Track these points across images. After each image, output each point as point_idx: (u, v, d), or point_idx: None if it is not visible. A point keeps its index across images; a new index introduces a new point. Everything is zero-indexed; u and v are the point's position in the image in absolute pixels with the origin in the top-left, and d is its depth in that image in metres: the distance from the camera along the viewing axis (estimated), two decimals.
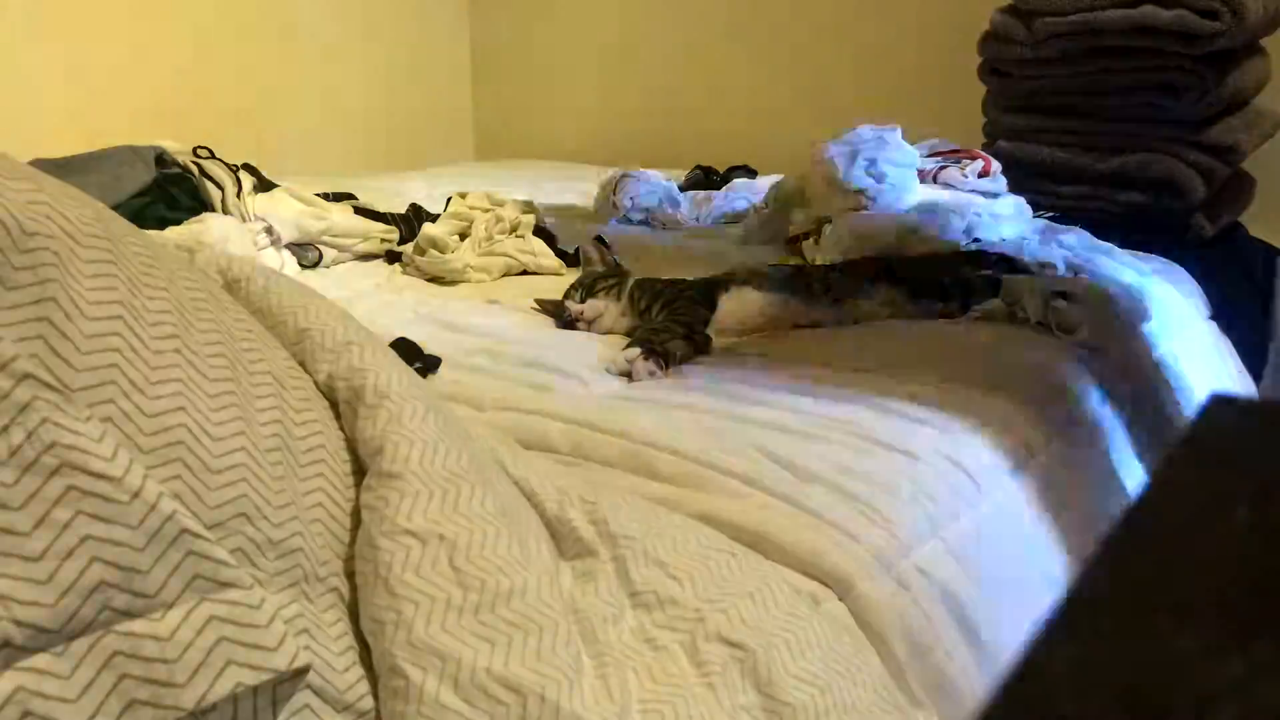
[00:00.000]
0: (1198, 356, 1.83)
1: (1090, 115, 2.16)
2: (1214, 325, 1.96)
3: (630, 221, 2.40)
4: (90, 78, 2.86)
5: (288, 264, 1.94)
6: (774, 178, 2.69)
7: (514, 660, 0.68)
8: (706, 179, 2.71)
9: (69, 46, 2.81)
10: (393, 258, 2.05)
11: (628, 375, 1.38)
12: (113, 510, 0.57)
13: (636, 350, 1.40)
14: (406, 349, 1.35)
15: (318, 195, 2.12)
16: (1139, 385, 1.57)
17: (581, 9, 3.61)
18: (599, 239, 1.84)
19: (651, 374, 1.36)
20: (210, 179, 2.03)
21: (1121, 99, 2.11)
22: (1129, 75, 2.08)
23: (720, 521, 0.98)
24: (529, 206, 2.09)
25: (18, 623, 0.53)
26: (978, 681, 0.99)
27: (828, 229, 1.96)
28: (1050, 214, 2.12)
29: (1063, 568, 1.19)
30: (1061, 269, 1.78)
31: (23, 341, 0.59)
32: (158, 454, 0.63)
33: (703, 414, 1.21)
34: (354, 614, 0.73)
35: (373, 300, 1.76)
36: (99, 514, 0.57)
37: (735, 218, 2.40)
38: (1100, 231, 1.96)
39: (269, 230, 1.93)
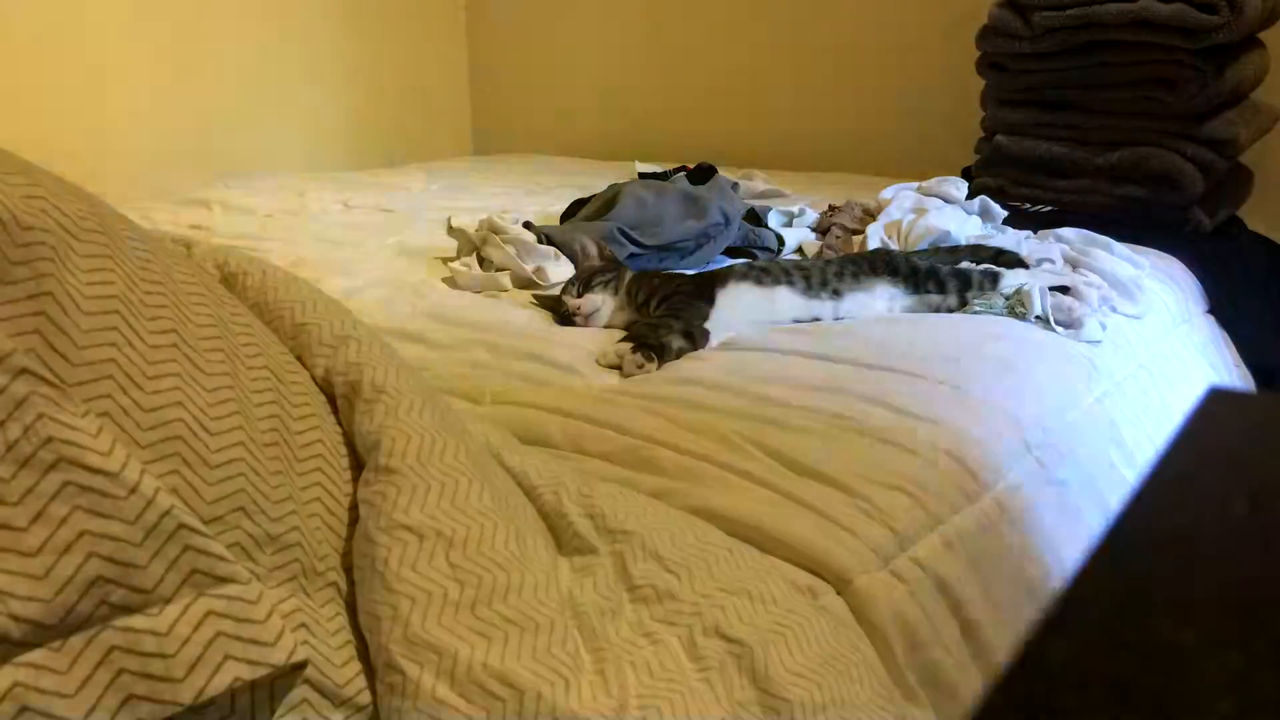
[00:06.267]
0: (1196, 350, 1.83)
1: (1088, 109, 2.15)
2: (1212, 319, 1.97)
3: None
4: (88, 75, 2.85)
5: None
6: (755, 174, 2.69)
7: (510, 656, 0.68)
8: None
9: (67, 41, 2.81)
10: None
11: (618, 368, 1.38)
12: (110, 505, 0.57)
13: (627, 344, 1.40)
14: None
15: None
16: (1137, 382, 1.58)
17: (579, 2, 3.60)
18: None
19: (640, 367, 1.37)
20: None
21: (1120, 93, 2.11)
22: (1127, 69, 2.08)
23: (718, 516, 0.98)
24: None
25: (15, 618, 0.53)
26: (975, 677, 1.00)
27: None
28: (1049, 208, 2.13)
29: (1062, 563, 1.19)
30: (1060, 263, 1.78)
31: (19, 336, 0.59)
32: (155, 449, 0.63)
33: (700, 409, 1.21)
34: (352, 608, 0.73)
35: (374, 293, 1.76)
36: (96, 509, 0.57)
37: None
38: (1099, 225, 1.96)
39: None
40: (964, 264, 1.71)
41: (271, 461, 0.71)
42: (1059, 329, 1.53)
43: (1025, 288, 1.59)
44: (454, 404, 1.10)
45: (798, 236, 2.01)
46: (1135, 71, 2.07)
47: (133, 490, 0.58)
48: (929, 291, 1.61)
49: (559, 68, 3.68)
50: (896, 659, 0.93)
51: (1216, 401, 0.42)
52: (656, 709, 0.72)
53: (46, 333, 0.61)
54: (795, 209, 2.15)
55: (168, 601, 0.58)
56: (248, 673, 0.60)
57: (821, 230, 2.03)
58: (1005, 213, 2.09)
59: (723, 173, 2.61)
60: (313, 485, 0.75)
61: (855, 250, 1.88)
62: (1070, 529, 1.24)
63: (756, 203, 2.34)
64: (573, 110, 3.66)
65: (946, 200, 2.10)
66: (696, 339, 1.47)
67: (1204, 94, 2.01)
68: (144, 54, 2.98)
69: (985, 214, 2.06)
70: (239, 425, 0.69)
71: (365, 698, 0.68)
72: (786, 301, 1.57)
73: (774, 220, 2.09)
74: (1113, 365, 1.53)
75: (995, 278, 1.64)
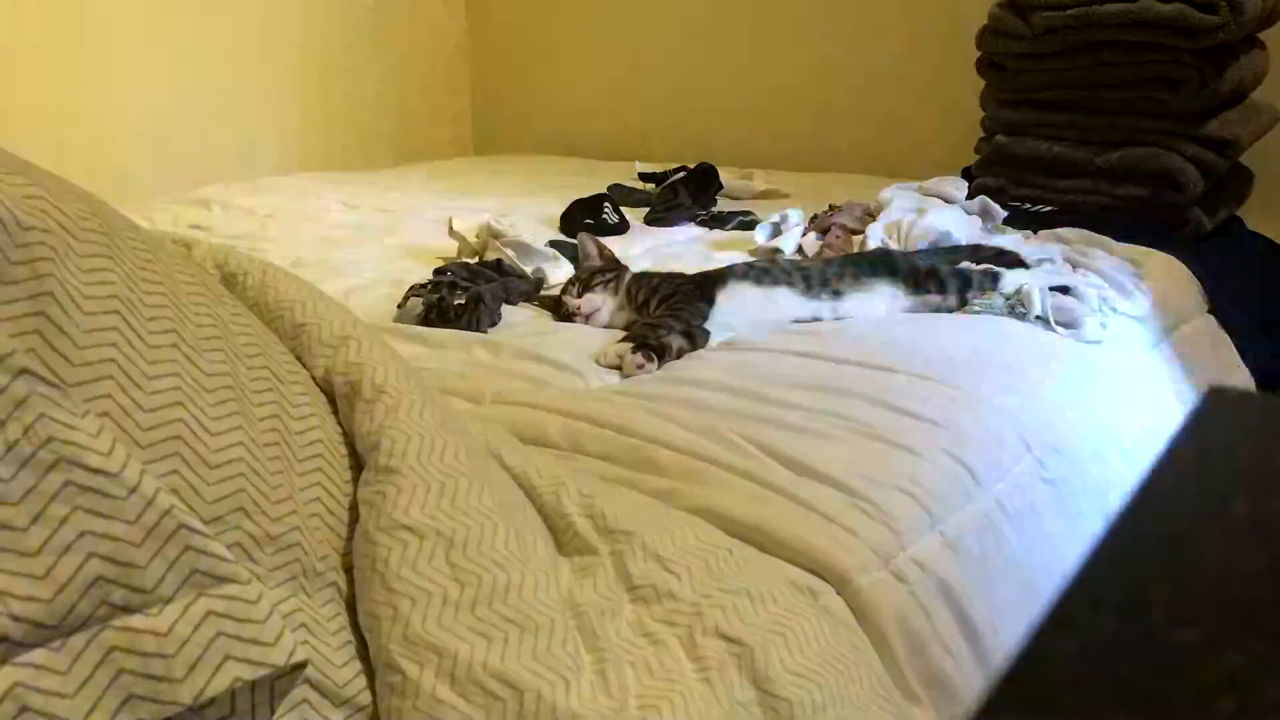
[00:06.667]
0: (1197, 350, 1.83)
1: (1089, 109, 2.15)
2: (1213, 319, 1.96)
3: None
4: (89, 75, 2.85)
5: None
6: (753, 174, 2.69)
7: (510, 656, 0.68)
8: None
9: (68, 41, 2.81)
10: None
11: (618, 369, 1.38)
12: (110, 505, 0.57)
13: (627, 344, 1.40)
14: None
15: None
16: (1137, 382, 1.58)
17: (580, 2, 3.60)
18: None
19: (640, 368, 1.37)
20: None
21: (1120, 93, 2.11)
22: (1127, 69, 2.08)
23: (718, 516, 0.98)
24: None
25: (15, 618, 0.53)
26: (975, 676, 0.99)
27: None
28: (1049, 208, 2.12)
29: (1062, 562, 1.19)
30: (1060, 263, 1.78)
31: (19, 336, 0.59)
32: (155, 449, 0.63)
33: (700, 408, 1.21)
34: (352, 608, 0.73)
35: (374, 293, 1.76)
36: (96, 509, 0.57)
37: None
38: (1099, 225, 1.96)
39: None
40: (964, 264, 1.71)
41: (271, 461, 0.71)
42: (1059, 329, 1.53)
43: (1025, 288, 1.59)
44: (454, 404, 1.10)
45: (790, 243, 2.00)
46: (1135, 71, 2.07)
47: (133, 490, 0.58)
48: (929, 291, 1.61)
49: (559, 68, 3.68)
50: (897, 659, 0.93)
51: (1216, 401, 0.42)
52: (656, 709, 0.72)
53: (46, 333, 0.61)
54: (777, 216, 2.14)
55: (168, 602, 0.58)
56: (248, 673, 0.60)
57: (821, 230, 2.02)
58: (1005, 213, 2.09)
59: (723, 173, 2.61)
60: (313, 485, 0.75)
61: (855, 250, 1.88)
62: (1070, 529, 1.24)
63: (756, 203, 2.33)
64: (573, 110, 3.66)
65: (946, 200, 2.10)
66: (696, 339, 1.47)
67: (1204, 94, 2.01)
68: (145, 54, 2.98)
69: (985, 214, 2.06)
70: (239, 425, 0.69)
71: (365, 698, 0.68)
72: (787, 301, 1.57)
73: (761, 233, 2.08)
74: (1113, 365, 1.53)
75: (995, 278, 1.64)
